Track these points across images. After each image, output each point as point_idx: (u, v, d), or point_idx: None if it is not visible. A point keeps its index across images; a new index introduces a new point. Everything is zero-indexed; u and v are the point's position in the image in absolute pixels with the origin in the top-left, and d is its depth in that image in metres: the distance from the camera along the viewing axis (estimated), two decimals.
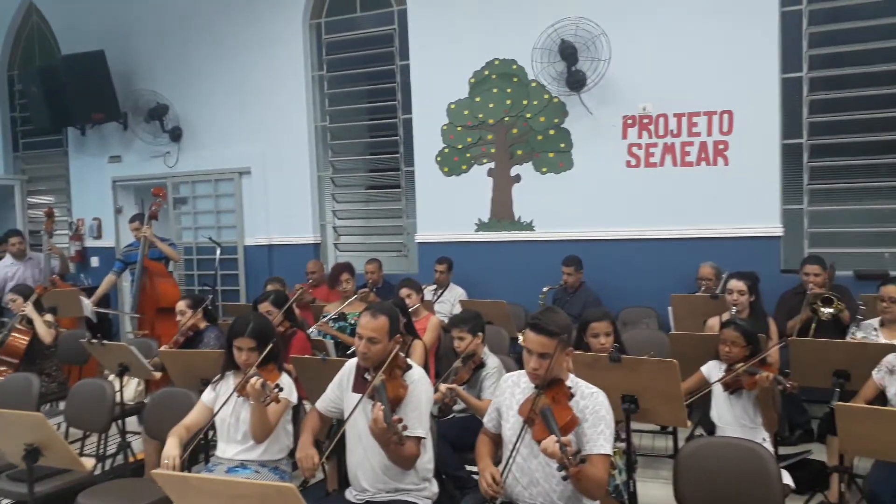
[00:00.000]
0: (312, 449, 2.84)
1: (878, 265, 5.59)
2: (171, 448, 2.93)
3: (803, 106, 5.80)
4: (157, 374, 4.37)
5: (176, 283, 6.90)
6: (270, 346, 3.07)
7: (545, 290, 5.97)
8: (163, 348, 4.50)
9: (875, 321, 4.00)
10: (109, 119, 8.16)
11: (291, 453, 3.22)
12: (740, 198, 5.82)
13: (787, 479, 3.16)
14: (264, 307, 4.22)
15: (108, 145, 8.57)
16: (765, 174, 5.78)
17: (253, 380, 2.87)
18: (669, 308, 5.26)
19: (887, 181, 5.65)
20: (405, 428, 2.49)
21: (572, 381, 2.58)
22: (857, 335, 4.04)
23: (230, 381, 3.15)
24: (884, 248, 5.69)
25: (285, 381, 3.13)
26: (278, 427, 3.08)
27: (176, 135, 8.04)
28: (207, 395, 3.22)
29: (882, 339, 3.84)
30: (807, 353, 3.61)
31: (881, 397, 3.26)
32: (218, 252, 7.62)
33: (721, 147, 5.91)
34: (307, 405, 3.55)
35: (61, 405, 4.78)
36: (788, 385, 3.16)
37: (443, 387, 3.61)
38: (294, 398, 3.15)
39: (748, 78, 5.77)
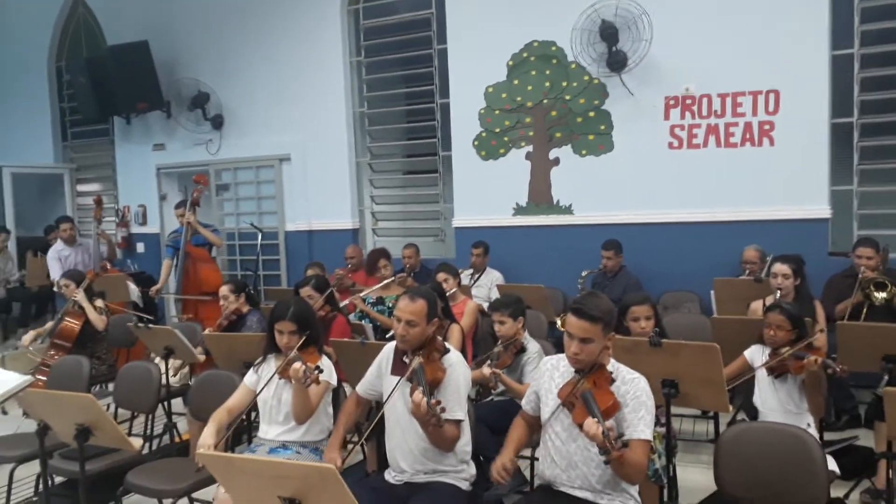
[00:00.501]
0: (336, 452, 2.90)
1: None
2: (207, 437, 2.99)
3: (854, 83, 5.61)
4: (202, 357, 4.48)
5: (218, 268, 7.04)
6: (311, 329, 3.11)
7: (584, 274, 5.92)
8: (206, 331, 4.60)
9: None
10: (153, 108, 8.33)
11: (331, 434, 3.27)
12: (786, 179, 5.66)
13: (832, 465, 3.09)
14: (305, 292, 4.28)
15: (151, 133, 8.75)
16: (812, 155, 5.61)
17: (295, 364, 2.92)
18: (712, 292, 5.16)
19: None
20: (443, 410, 2.51)
21: (613, 365, 2.56)
22: None
23: (272, 364, 3.21)
24: None
25: (325, 363, 3.17)
26: (319, 409, 3.13)
27: (217, 122, 8.16)
28: (250, 377, 3.29)
29: None
30: (855, 337, 3.52)
31: None
32: (259, 237, 7.76)
33: (766, 127, 5.75)
34: (347, 388, 3.59)
35: (111, 387, 4.93)
36: (839, 368, 3.07)
37: (486, 370, 3.63)
38: (334, 380, 3.20)
39: (795, 56, 5.59)
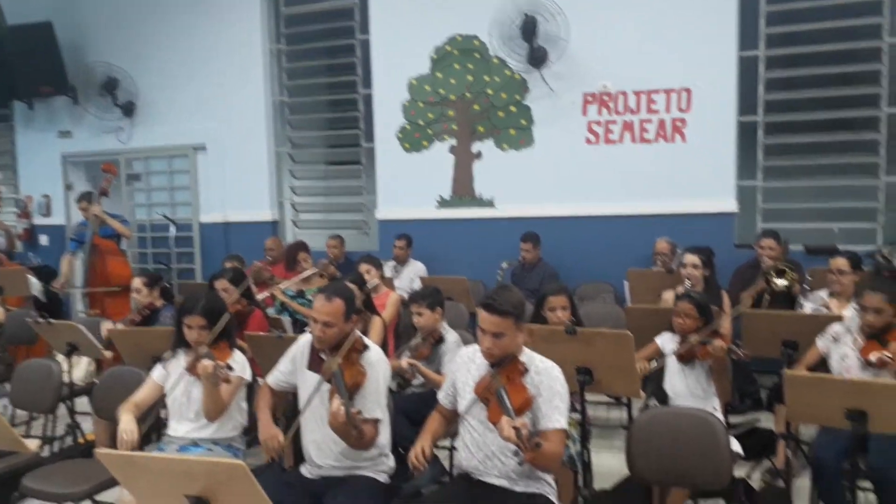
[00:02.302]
0: (275, 429, 2.81)
1: (827, 240, 5.72)
2: (128, 422, 2.89)
3: (759, 84, 5.88)
4: (108, 354, 4.27)
5: (128, 261, 6.74)
6: (222, 323, 3.00)
7: (504, 266, 5.99)
8: (118, 325, 4.38)
9: (824, 293, 4.10)
10: (58, 92, 7.90)
11: (245, 431, 3.18)
12: (697, 174, 5.89)
13: (736, 446, 3.22)
14: (220, 285, 4.14)
15: (57, 120, 8.29)
16: (721, 151, 5.85)
17: (204, 360, 2.82)
18: (626, 283, 5.32)
19: (837, 158, 5.77)
20: (365, 422, 2.48)
21: (527, 355, 2.58)
22: (807, 307, 4.14)
23: (181, 360, 3.09)
24: (833, 222, 5.83)
25: (238, 359, 3.08)
26: (232, 405, 3.04)
27: (128, 109, 7.81)
28: (157, 372, 3.16)
29: (830, 311, 3.94)
30: (757, 324, 3.68)
31: (823, 364, 3.35)
32: (173, 229, 7.48)
33: (679, 124, 5.96)
34: (262, 382, 3.50)
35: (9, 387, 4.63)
36: (741, 353, 3.21)
37: (404, 361, 3.60)
38: (248, 376, 3.11)
39: (706, 56, 5.82)
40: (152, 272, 4.84)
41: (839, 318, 3.49)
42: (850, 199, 5.81)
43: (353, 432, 2.44)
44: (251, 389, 3.26)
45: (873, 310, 3.10)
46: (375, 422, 2.65)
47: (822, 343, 3.34)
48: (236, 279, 4.15)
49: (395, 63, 6.79)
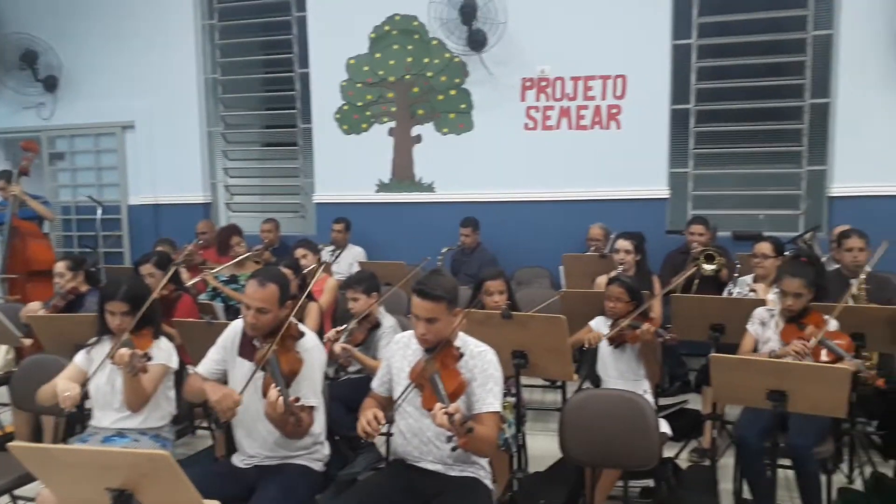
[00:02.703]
0: (228, 388, 2.67)
1: (753, 226, 5.95)
2: (67, 382, 2.77)
3: (692, 72, 6.02)
4: (27, 341, 4.07)
5: (50, 244, 6.44)
6: (145, 309, 2.89)
7: (444, 251, 6.00)
8: (40, 312, 4.18)
9: (749, 278, 4.25)
10: None
11: (175, 420, 3.09)
12: (631, 161, 6.01)
13: (665, 427, 3.32)
14: (146, 269, 3.99)
15: None
16: (654, 138, 5.99)
17: (121, 350, 2.71)
18: (561, 267, 5.39)
19: (765, 147, 5.98)
20: (302, 409, 2.43)
21: (462, 340, 2.58)
22: (733, 291, 4.29)
23: (106, 347, 2.97)
24: (760, 209, 6.05)
25: (163, 346, 2.98)
26: (158, 394, 2.94)
27: (51, 84, 7.43)
28: (80, 357, 3.02)
29: (755, 295, 4.09)
30: (686, 308, 3.79)
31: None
32: (99, 212, 7.18)
33: (614, 111, 6.06)
34: (192, 370, 3.40)
35: None
36: (668, 336, 3.30)
37: (337, 347, 3.56)
38: (174, 363, 3.01)
39: (641, 43, 5.93)
40: (77, 255, 4.61)
41: (763, 302, 3.62)
42: (775, 187, 6.03)
43: (291, 420, 2.40)
44: (180, 377, 3.17)
45: (792, 294, 3.22)
46: (311, 409, 2.61)
47: (752, 328, 3.46)
48: (162, 263, 4.01)
49: (333, 42, 6.66)
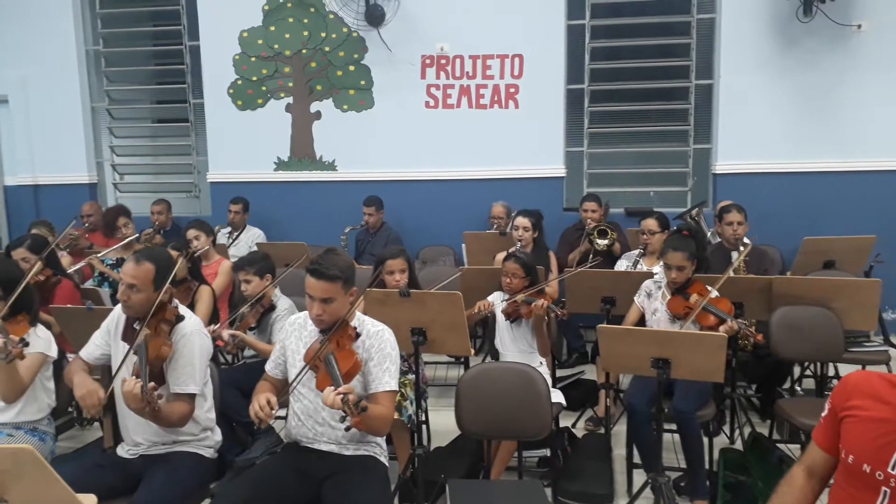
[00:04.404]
0: (95, 384, 2.53)
1: (644, 203, 6.20)
2: None
3: (585, 52, 6.16)
4: None
5: None
6: (18, 295, 2.71)
7: (347, 230, 5.92)
8: None
9: (636, 252, 4.42)
10: None
11: (53, 413, 2.92)
12: (529, 140, 6.12)
13: (558, 397, 3.43)
14: (19, 254, 3.72)
15: None
16: (551, 118, 6.11)
17: None
18: (463, 245, 5.44)
19: (655, 126, 6.23)
20: (160, 397, 2.31)
21: (358, 319, 2.55)
22: (622, 264, 4.46)
23: None
24: (651, 187, 6.31)
25: (41, 334, 2.81)
26: (35, 384, 2.78)
27: None
28: None
29: (643, 268, 4.27)
30: (579, 282, 3.91)
31: (644, 319, 3.63)
32: None
33: (512, 90, 6.13)
34: (72, 359, 3.21)
35: None
36: (559, 312, 3.40)
37: (225, 333, 3.44)
38: (52, 352, 2.84)
39: (536, 23, 6.01)
40: None
41: (650, 275, 3.78)
42: (665, 165, 6.30)
43: (147, 409, 2.28)
44: (59, 367, 2.99)
45: (676, 267, 3.39)
46: (191, 397, 2.52)
47: (638, 300, 3.61)
48: (37, 247, 3.75)
49: (224, 13, 6.39)
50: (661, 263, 3.61)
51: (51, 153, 6.77)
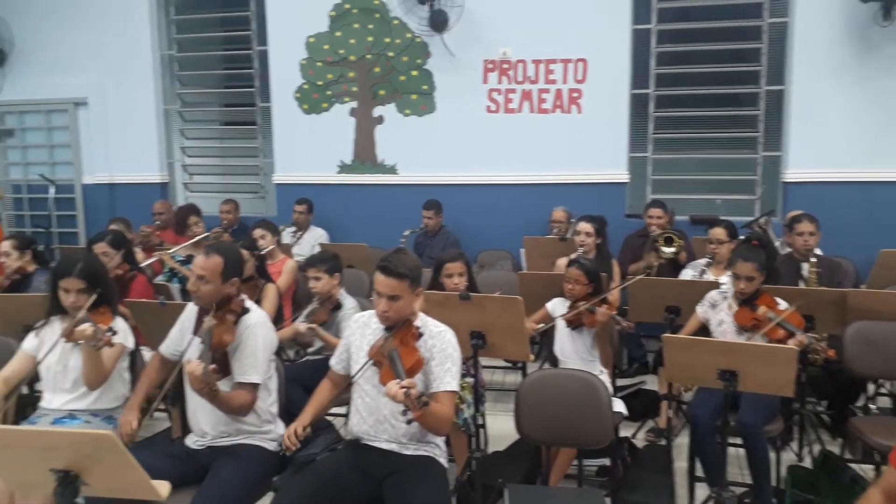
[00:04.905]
0: (134, 414, 2.74)
1: (711, 210, 6.05)
2: None
3: (651, 57, 6.07)
4: None
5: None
6: (102, 287, 2.83)
7: (406, 233, 5.97)
8: None
9: (703, 261, 4.32)
10: None
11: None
12: (592, 145, 6.05)
13: (619, 407, 3.38)
14: (100, 248, 3.89)
15: None
16: (614, 123, 6.03)
17: (84, 325, 2.65)
18: (522, 250, 5.42)
19: (723, 132, 6.07)
20: (219, 378, 2.41)
21: (421, 320, 2.58)
22: (687, 274, 4.36)
23: (56, 327, 2.90)
24: (716, 194, 6.16)
25: (120, 325, 2.92)
26: (113, 374, 2.89)
27: None
28: (29, 342, 2.95)
29: (710, 277, 4.17)
30: (642, 290, 3.84)
31: (705, 330, 3.54)
32: (52, 191, 6.98)
33: (575, 95, 6.08)
34: (145, 352, 3.34)
35: None
36: (625, 324, 3.34)
37: (302, 325, 3.54)
38: (130, 343, 2.96)
39: (602, 27, 5.95)
40: (24, 235, 4.49)
41: (716, 285, 3.69)
42: (732, 172, 6.14)
43: (205, 390, 2.37)
44: (134, 358, 3.11)
45: (745, 278, 3.29)
46: (253, 386, 2.59)
47: (701, 310, 3.53)
48: (117, 242, 3.92)
49: (292, 19, 6.54)
50: (729, 274, 3.52)
51: (126, 153, 7.05)
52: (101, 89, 7.00)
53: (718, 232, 4.24)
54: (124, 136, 7.02)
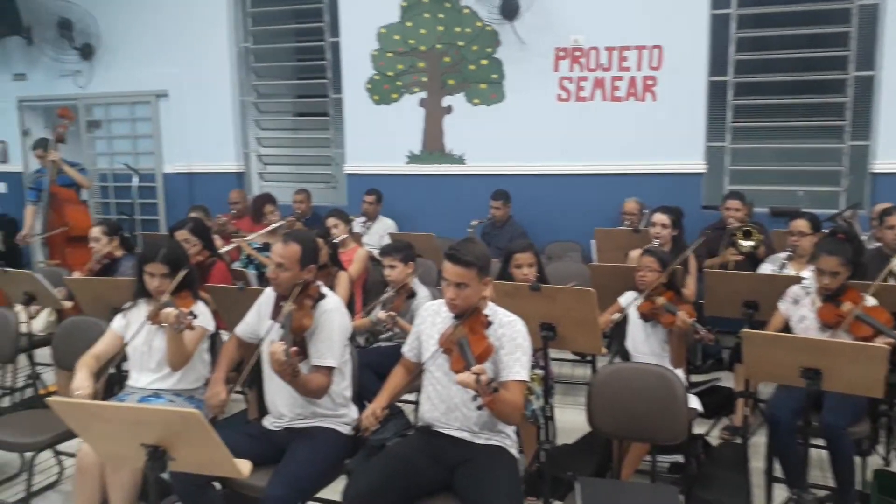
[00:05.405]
0: (221, 386, 2.84)
1: (792, 203, 5.81)
2: (83, 378, 2.83)
3: (730, 43, 5.85)
4: (67, 304, 4.18)
5: (88, 211, 6.58)
6: (185, 271, 2.95)
7: (473, 223, 5.97)
8: (74, 275, 4.28)
9: (783, 255, 4.15)
10: (11, 33, 7.53)
11: (208, 382, 3.15)
12: (666, 134, 5.89)
13: (695, 403, 3.30)
14: (181, 235, 4.04)
15: (11, 62, 7.95)
16: (690, 111, 5.86)
17: (167, 308, 2.77)
18: (592, 241, 5.34)
19: (804, 121, 5.81)
20: (302, 360, 2.47)
21: (491, 309, 2.59)
22: (767, 268, 4.21)
23: (142, 309, 3.03)
24: (798, 185, 5.91)
25: (201, 309, 3.03)
26: (195, 356, 3.01)
27: (87, 52, 7.52)
28: (118, 322, 3.10)
29: (790, 272, 4.01)
30: (719, 284, 3.73)
31: (786, 327, 3.41)
32: (135, 180, 7.29)
33: (650, 83, 5.93)
34: (224, 336, 3.46)
35: None
36: (704, 335, 3.20)
37: (382, 314, 3.61)
38: (211, 326, 3.07)
39: (678, 13, 5.78)
40: (112, 221, 4.70)
41: (798, 280, 3.54)
42: (816, 163, 5.88)
43: (288, 371, 2.43)
44: (214, 341, 3.23)
45: (829, 273, 3.14)
46: (329, 370, 2.65)
47: (783, 306, 3.40)
48: (197, 229, 4.06)
49: (364, 10, 6.61)
50: (812, 268, 3.37)
51: (204, 143, 7.29)
52: (181, 81, 7.25)
53: (801, 223, 4.06)
54: (202, 126, 7.25)
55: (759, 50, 5.84)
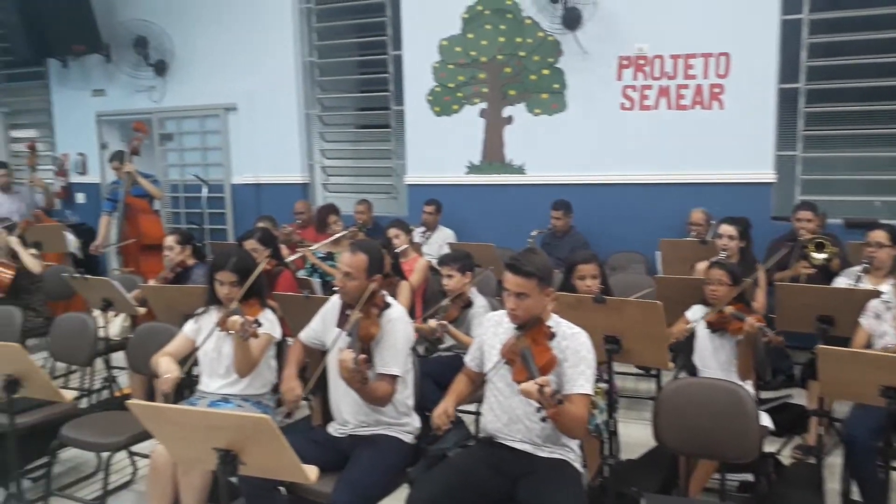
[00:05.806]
0: (296, 381, 2.88)
1: (868, 213, 5.56)
2: (168, 363, 2.95)
3: (802, 49, 5.67)
4: (141, 310, 4.34)
5: (160, 220, 6.83)
6: (252, 280, 3.03)
7: (534, 233, 5.94)
8: (150, 282, 4.45)
9: (858, 268, 3.97)
10: (91, 51, 7.93)
11: (275, 388, 3.23)
12: (734, 143, 5.74)
13: (766, 420, 3.18)
14: (250, 244, 4.16)
15: (91, 78, 8.35)
16: (759, 119, 5.69)
17: (234, 316, 2.85)
18: (658, 253, 5.24)
19: (882, 128, 5.57)
20: (370, 367, 2.50)
21: (554, 321, 2.57)
22: (841, 281, 4.04)
23: (213, 316, 3.13)
24: (875, 195, 5.66)
25: (268, 316, 3.11)
26: (261, 362, 3.08)
27: (161, 68, 7.83)
28: (189, 326, 3.21)
29: (866, 285, 3.84)
30: (791, 298, 3.60)
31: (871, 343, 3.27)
32: (205, 190, 7.53)
33: (716, 90, 5.80)
34: (291, 343, 3.53)
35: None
36: (773, 338, 3.12)
37: (433, 322, 3.62)
38: (277, 334, 3.14)
39: (746, 19, 5.62)
40: (185, 230, 4.88)
41: (877, 294, 3.39)
42: (894, 172, 5.61)
43: (357, 377, 2.47)
44: (281, 348, 3.30)
45: None
46: (392, 378, 2.68)
47: (866, 321, 3.26)
48: (265, 239, 4.18)
49: (426, 23, 6.68)
50: (892, 282, 3.22)
51: (271, 155, 7.48)
52: (249, 95, 7.47)
53: (878, 234, 3.88)
54: (269, 139, 7.45)
55: (832, 56, 5.63)
